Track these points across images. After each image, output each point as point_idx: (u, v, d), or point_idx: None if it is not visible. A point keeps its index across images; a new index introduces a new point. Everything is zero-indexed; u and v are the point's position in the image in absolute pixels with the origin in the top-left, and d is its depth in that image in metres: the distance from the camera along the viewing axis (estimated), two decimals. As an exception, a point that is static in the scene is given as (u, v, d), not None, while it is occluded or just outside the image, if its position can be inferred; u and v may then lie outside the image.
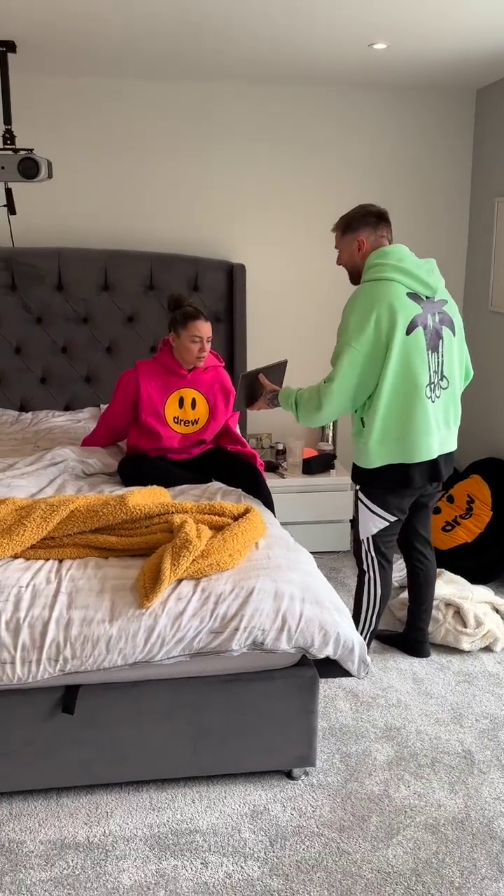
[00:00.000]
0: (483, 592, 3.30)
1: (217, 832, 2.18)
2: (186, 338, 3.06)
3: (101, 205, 4.06)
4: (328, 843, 2.15)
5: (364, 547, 2.86)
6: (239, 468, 3.15)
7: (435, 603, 3.20)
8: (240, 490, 3.08)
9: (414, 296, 2.60)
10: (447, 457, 2.79)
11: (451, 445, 2.80)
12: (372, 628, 2.92)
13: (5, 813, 2.25)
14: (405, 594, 3.39)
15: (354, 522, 2.90)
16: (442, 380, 2.68)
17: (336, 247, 2.81)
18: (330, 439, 4.35)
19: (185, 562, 2.22)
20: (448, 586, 3.34)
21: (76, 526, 2.43)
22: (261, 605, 2.19)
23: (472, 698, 2.83)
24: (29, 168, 3.18)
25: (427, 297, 2.64)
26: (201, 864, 2.07)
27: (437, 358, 2.65)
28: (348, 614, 2.33)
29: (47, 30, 3.10)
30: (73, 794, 2.33)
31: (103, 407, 4.06)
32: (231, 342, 4.17)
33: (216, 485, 3.12)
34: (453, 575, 3.48)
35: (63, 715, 2.20)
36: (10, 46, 3.27)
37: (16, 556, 2.40)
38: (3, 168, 3.17)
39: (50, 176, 3.33)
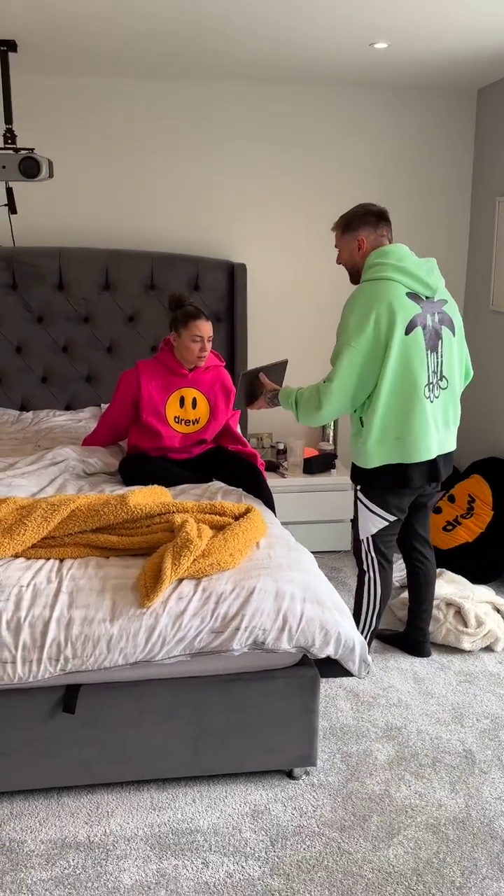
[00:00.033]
0: (484, 592, 3.30)
1: (218, 832, 2.18)
2: (187, 337, 3.06)
3: (101, 204, 4.06)
4: (329, 842, 2.15)
5: (364, 547, 2.85)
6: (240, 468, 3.15)
7: (436, 602, 3.20)
8: (240, 490, 3.08)
9: (413, 296, 2.60)
10: (446, 457, 2.79)
11: (451, 446, 2.80)
12: (372, 628, 2.92)
13: (6, 812, 2.25)
14: (406, 594, 3.39)
15: (354, 522, 2.90)
16: (441, 380, 2.68)
17: (336, 246, 2.80)
18: (331, 439, 4.35)
19: (186, 561, 2.22)
20: (449, 586, 3.34)
21: (77, 525, 2.43)
22: (262, 605, 2.19)
23: (472, 698, 2.83)
24: (30, 167, 3.18)
25: (427, 297, 2.64)
26: (202, 863, 2.07)
27: (437, 358, 2.65)
28: (349, 614, 2.33)
29: (48, 29, 3.10)
30: (74, 793, 2.33)
31: (104, 406, 4.06)
32: (232, 342, 4.17)
33: (217, 484, 3.12)
34: (454, 575, 3.48)
35: (64, 714, 2.20)
36: (12, 46, 3.27)
37: (17, 556, 2.40)
38: (3, 167, 3.17)
39: (51, 175, 3.33)
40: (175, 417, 3.17)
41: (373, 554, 2.84)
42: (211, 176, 4.11)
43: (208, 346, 3.10)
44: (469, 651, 3.13)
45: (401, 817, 2.24)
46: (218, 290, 4.09)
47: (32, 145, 3.94)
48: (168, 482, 3.05)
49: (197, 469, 3.22)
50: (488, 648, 3.15)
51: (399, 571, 3.69)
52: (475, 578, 3.62)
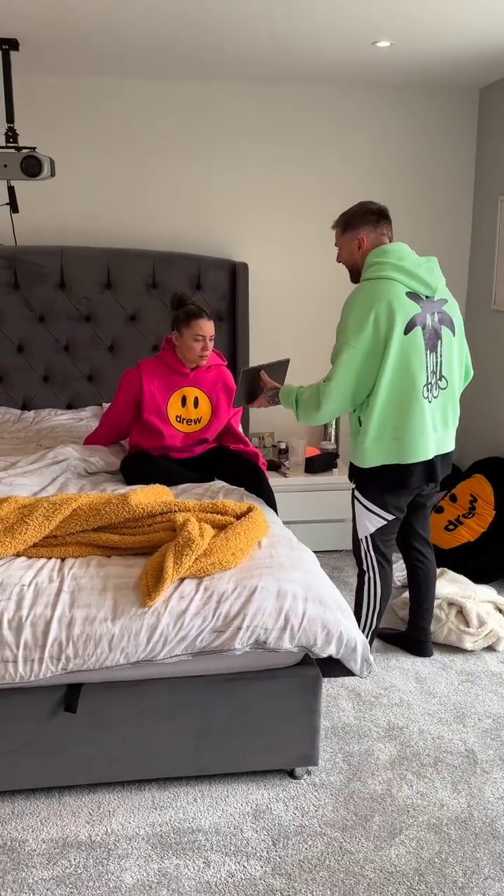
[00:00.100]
0: (486, 592, 3.29)
1: (219, 831, 2.18)
2: (189, 336, 3.06)
3: (103, 203, 4.06)
4: (331, 842, 2.14)
5: (363, 546, 2.85)
6: (241, 467, 3.15)
7: (437, 602, 3.20)
8: (242, 489, 3.07)
9: (413, 295, 2.59)
10: (444, 457, 2.78)
11: (449, 446, 2.79)
12: (373, 628, 2.91)
13: (7, 812, 2.25)
14: (407, 593, 3.38)
15: (353, 522, 2.90)
16: (440, 380, 2.67)
17: (336, 244, 2.80)
18: (332, 438, 4.34)
19: (188, 560, 2.22)
20: (451, 585, 3.33)
21: (78, 524, 2.43)
22: (263, 604, 2.18)
23: (474, 698, 2.82)
24: (32, 166, 3.18)
25: (427, 297, 2.63)
26: (203, 863, 2.07)
27: (436, 358, 2.64)
28: (351, 613, 2.33)
29: (49, 28, 3.10)
30: (76, 792, 2.32)
31: (105, 405, 4.06)
32: (234, 341, 4.17)
33: (218, 483, 3.12)
34: (456, 574, 3.48)
35: (65, 714, 2.20)
36: (13, 44, 3.27)
37: (18, 555, 2.39)
38: (5, 166, 3.17)
39: (53, 174, 3.32)
40: (177, 416, 3.17)
41: (372, 553, 2.84)
42: (213, 175, 4.10)
43: (210, 345, 3.09)
44: (471, 651, 3.13)
45: (403, 817, 2.24)
46: (220, 290, 4.08)
47: (34, 144, 3.93)
48: (170, 481, 3.05)
49: (198, 468, 3.22)
50: (490, 648, 3.15)
51: (400, 571, 3.68)
52: (477, 578, 3.61)
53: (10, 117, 3.37)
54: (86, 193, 4.03)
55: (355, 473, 2.78)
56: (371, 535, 2.81)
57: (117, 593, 2.19)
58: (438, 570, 3.49)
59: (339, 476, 4.08)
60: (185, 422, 3.19)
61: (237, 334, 4.13)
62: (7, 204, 3.48)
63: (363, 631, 2.91)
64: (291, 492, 4.00)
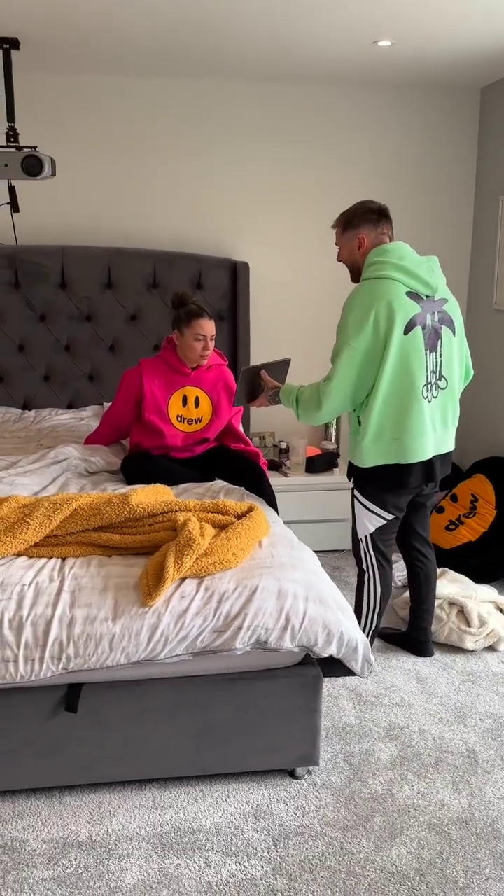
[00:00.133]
0: (487, 592, 3.29)
1: (220, 831, 2.18)
2: (190, 336, 3.06)
3: (104, 203, 4.06)
4: (331, 842, 2.14)
5: (362, 546, 2.84)
6: (242, 467, 3.15)
7: (438, 602, 3.20)
8: (243, 488, 3.07)
9: (413, 295, 2.59)
10: (443, 457, 2.78)
11: (448, 446, 2.78)
12: (373, 627, 2.91)
13: (8, 811, 2.25)
14: (408, 593, 3.38)
15: (352, 521, 2.89)
16: (440, 380, 2.67)
17: (336, 244, 2.79)
18: (333, 438, 4.34)
19: (189, 560, 2.22)
20: (452, 585, 3.33)
21: (79, 524, 2.42)
22: (264, 604, 2.18)
23: (475, 698, 2.82)
24: (32, 165, 3.17)
25: (427, 296, 2.63)
26: (204, 863, 2.07)
27: (436, 358, 2.64)
28: (352, 613, 2.33)
29: (50, 27, 3.10)
30: (76, 792, 2.32)
31: (106, 405, 4.06)
32: (234, 340, 4.16)
33: (219, 483, 3.11)
34: (457, 574, 3.47)
35: (66, 713, 2.20)
36: (14, 44, 3.27)
37: (19, 555, 2.39)
38: (6, 165, 3.17)
39: (53, 173, 3.32)
40: (177, 416, 3.17)
41: (372, 553, 2.83)
42: (214, 174, 4.10)
43: (211, 344, 3.09)
44: (472, 651, 3.12)
45: (403, 817, 2.24)
46: (220, 289, 4.08)
47: (35, 143, 3.93)
48: (170, 481, 3.04)
49: (199, 468, 3.22)
50: (491, 648, 3.14)
51: (401, 571, 3.68)
52: (478, 578, 3.61)
53: (10, 116, 3.37)
54: (87, 193, 4.03)
55: (354, 473, 2.78)
56: (371, 535, 2.81)
57: (118, 593, 2.19)
58: (439, 570, 3.48)
59: (340, 476, 4.08)
60: (185, 421, 3.18)
61: (238, 334, 4.13)
62: (8, 203, 3.47)
63: (363, 631, 2.91)
64: (292, 491, 4.00)
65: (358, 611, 2.92)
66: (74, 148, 3.96)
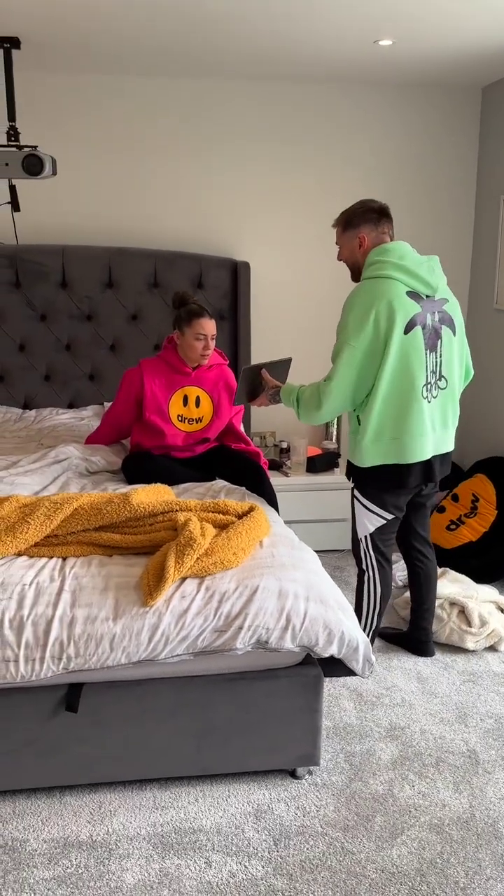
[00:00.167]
0: (488, 592, 3.29)
1: (221, 831, 2.17)
2: (191, 335, 3.06)
3: (104, 202, 4.06)
4: (332, 842, 2.14)
5: (362, 546, 2.84)
6: (243, 466, 3.14)
7: (439, 602, 3.19)
8: (243, 488, 3.07)
9: (414, 294, 2.59)
10: (443, 457, 2.78)
11: (448, 446, 2.78)
12: (374, 627, 2.91)
13: (9, 811, 2.24)
14: (409, 593, 3.38)
15: (352, 521, 2.89)
16: (440, 380, 2.67)
17: (337, 243, 2.79)
18: (334, 437, 4.34)
19: (190, 560, 2.22)
20: (452, 585, 3.33)
21: (80, 524, 2.42)
22: (265, 604, 2.18)
23: (476, 698, 2.82)
24: (33, 165, 3.17)
25: (427, 296, 2.62)
26: (205, 863, 2.07)
27: (436, 358, 2.64)
28: (353, 613, 2.32)
29: (51, 26, 3.09)
30: (77, 792, 2.32)
31: (107, 405, 4.06)
32: (235, 340, 4.16)
33: (220, 483, 3.11)
34: (458, 574, 3.47)
35: (66, 713, 2.19)
36: (15, 43, 3.27)
37: (19, 554, 2.39)
38: (7, 165, 3.17)
39: (54, 173, 3.32)
40: (178, 416, 3.16)
41: (371, 553, 2.83)
42: (214, 174, 4.10)
43: (212, 344, 3.09)
44: (473, 651, 3.12)
45: (404, 817, 2.24)
46: (221, 288, 4.08)
47: (35, 142, 3.93)
48: (171, 480, 3.04)
49: (200, 467, 3.22)
50: (492, 648, 3.14)
51: (402, 571, 3.68)
52: (479, 578, 3.61)
53: (11, 116, 3.37)
54: (87, 192, 4.03)
55: (354, 472, 2.78)
56: (370, 535, 2.81)
57: (119, 593, 2.19)
58: (440, 570, 3.48)
59: (341, 475, 4.08)
60: (186, 421, 3.18)
61: (238, 333, 4.13)
62: (8, 203, 3.47)
63: (364, 631, 2.91)
64: (293, 491, 4.00)
65: (358, 611, 2.91)
66: (75, 147, 3.96)
